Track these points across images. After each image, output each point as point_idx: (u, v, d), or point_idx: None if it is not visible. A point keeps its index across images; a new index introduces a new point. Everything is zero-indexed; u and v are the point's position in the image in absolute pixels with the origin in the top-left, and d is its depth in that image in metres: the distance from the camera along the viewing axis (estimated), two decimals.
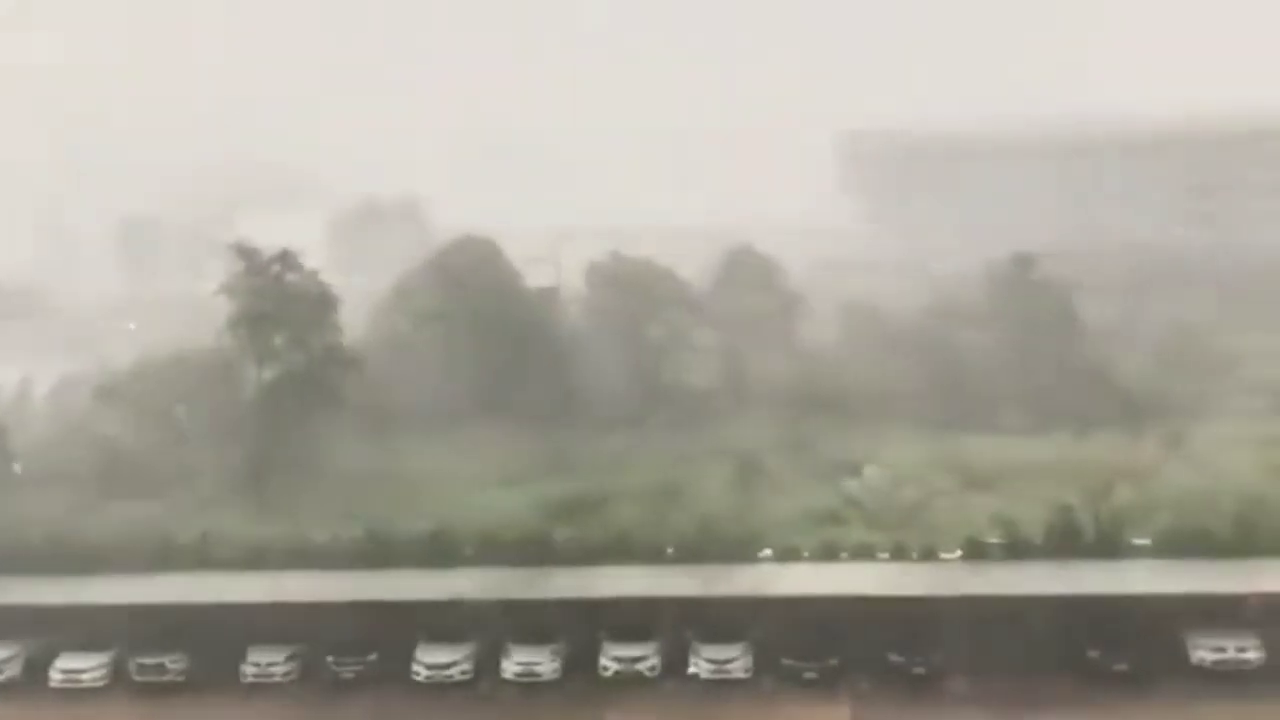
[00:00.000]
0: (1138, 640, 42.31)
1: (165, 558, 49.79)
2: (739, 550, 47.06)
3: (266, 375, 68.84)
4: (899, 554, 46.83)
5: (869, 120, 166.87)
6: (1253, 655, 41.62)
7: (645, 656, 43.68)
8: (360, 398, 68.72)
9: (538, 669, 43.79)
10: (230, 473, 64.11)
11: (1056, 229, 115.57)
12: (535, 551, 47.96)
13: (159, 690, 44.93)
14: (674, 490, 58.14)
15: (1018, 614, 42.62)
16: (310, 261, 71.57)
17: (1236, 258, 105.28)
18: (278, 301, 68.64)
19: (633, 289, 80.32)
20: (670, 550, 47.88)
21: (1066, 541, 46.22)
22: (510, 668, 43.99)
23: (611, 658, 43.81)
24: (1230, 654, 41.67)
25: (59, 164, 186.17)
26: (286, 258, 69.74)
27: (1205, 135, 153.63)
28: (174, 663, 45.58)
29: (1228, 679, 41.21)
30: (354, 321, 76.87)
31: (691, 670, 43.00)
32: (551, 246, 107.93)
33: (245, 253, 69.88)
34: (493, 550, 48.17)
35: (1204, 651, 41.92)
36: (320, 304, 69.47)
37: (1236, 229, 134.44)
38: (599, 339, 78.59)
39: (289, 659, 45.48)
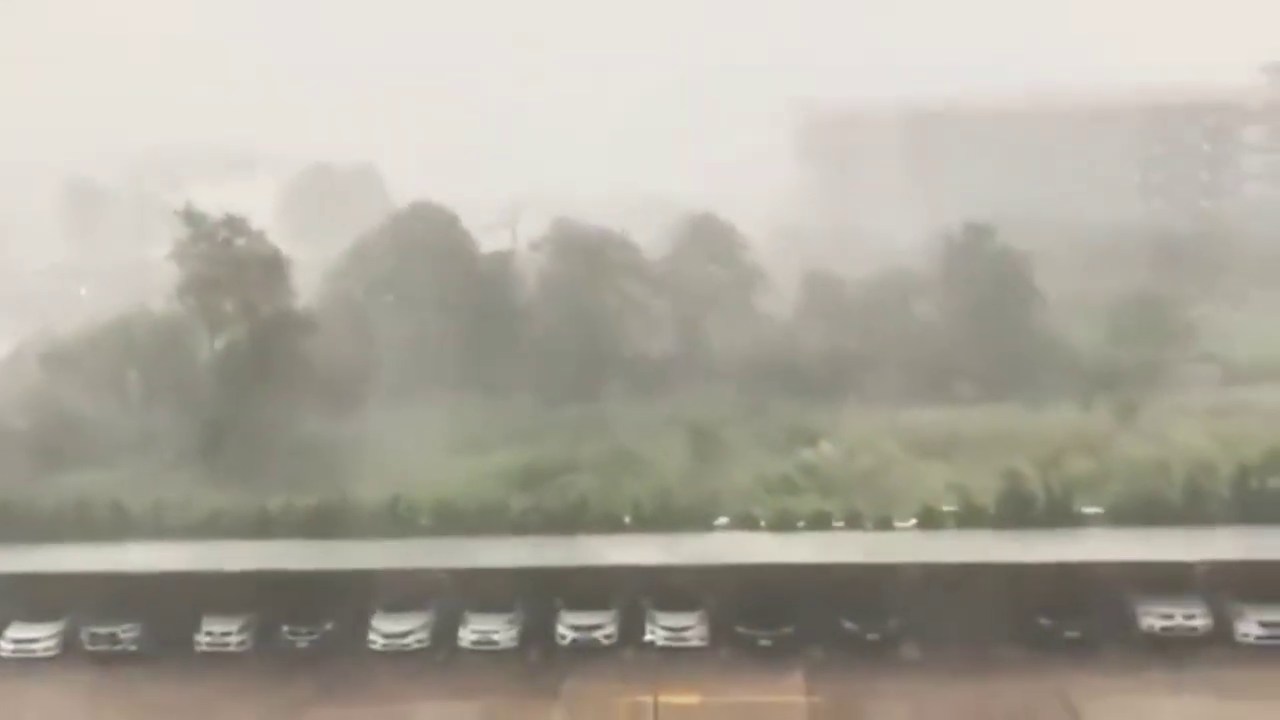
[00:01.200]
0: (1088, 608, 42.93)
1: (118, 526, 49.24)
2: (696, 519, 47.14)
3: (218, 342, 68.27)
4: (854, 522, 47.04)
5: (827, 88, 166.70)
6: (1200, 623, 42.34)
7: (602, 625, 43.90)
8: (314, 364, 68.20)
9: (495, 637, 43.93)
10: (183, 440, 63.53)
11: (1013, 199, 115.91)
12: (492, 521, 47.81)
13: (112, 660, 44.70)
14: (631, 460, 58.20)
15: (970, 582, 43.03)
16: (263, 227, 70.95)
17: (1190, 229, 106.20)
18: (227, 267, 67.89)
19: (590, 257, 79.99)
20: (627, 519, 47.91)
21: (1019, 510, 46.55)
22: (467, 636, 44.11)
23: (568, 626, 44.00)
24: (1179, 621, 42.37)
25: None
26: (234, 223, 68.95)
27: (1157, 107, 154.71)
28: (126, 632, 45.42)
29: (1176, 646, 41.89)
30: (308, 289, 76.28)
31: (648, 638, 43.25)
32: (508, 214, 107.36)
33: (192, 218, 69.03)
34: (449, 519, 47.99)
35: (1153, 619, 42.60)
36: (271, 269, 68.73)
37: (1189, 201, 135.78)
38: (556, 307, 78.30)
39: (243, 628, 45.37)
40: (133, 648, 45.30)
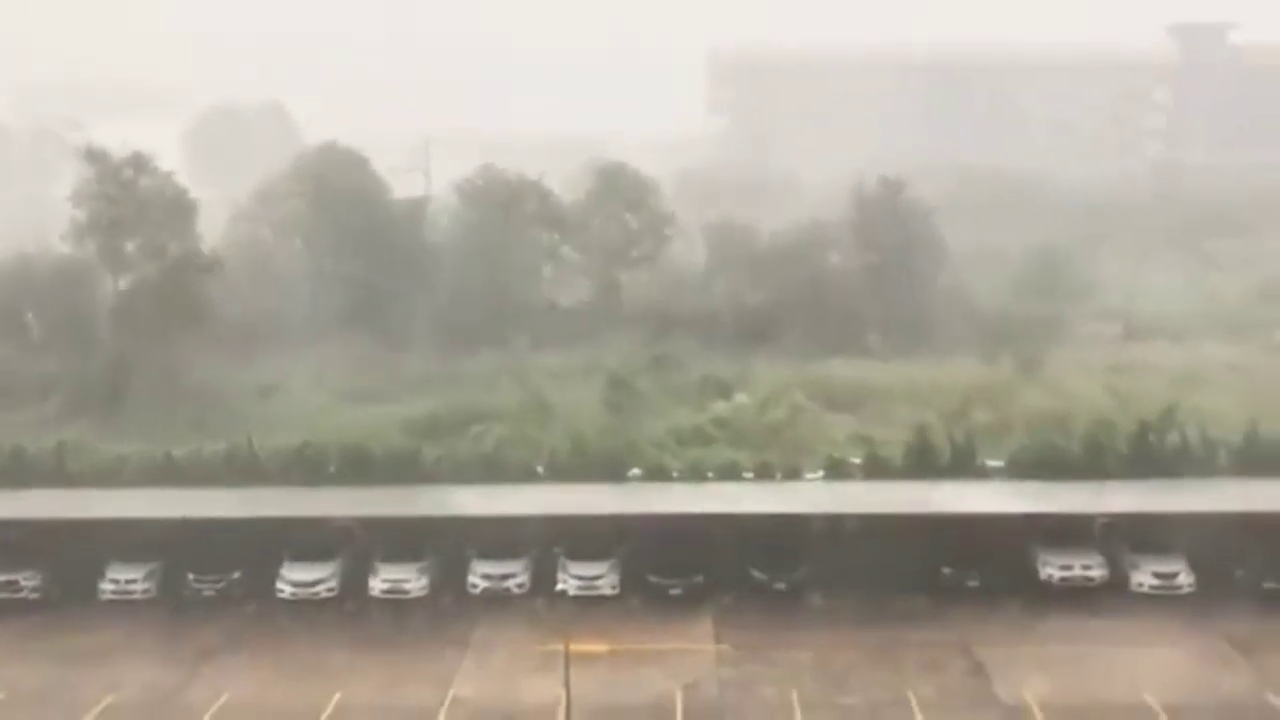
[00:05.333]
0: (989, 558, 43.89)
1: (18, 471, 48.15)
2: (608, 469, 47.30)
3: (122, 283, 66.92)
4: (763, 473, 47.54)
5: (741, 38, 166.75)
6: (1097, 573, 43.54)
7: (513, 574, 43.97)
8: (220, 308, 67.18)
9: (405, 586, 43.76)
10: (86, 384, 62.32)
11: (924, 151, 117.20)
12: (403, 469, 47.53)
13: (13, 608, 43.75)
14: (543, 409, 58.22)
15: (876, 532, 43.74)
16: (168, 168, 69.57)
17: (1095, 186, 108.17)
18: (131, 207, 66.46)
19: (505, 204, 79.45)
20: (540, 469, 47.94)
21: (923, 462, 47.35)
22: (377, 585, 43.91)
23: (480, 575, 44.01)
24: (1076, 571, 43.52)
25: None
26: (139, 161, 67.42)
27: (1068, 65, 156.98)
28: (28, 580, 44.48)
29: (1073, 595, 43.07)
30: (214, 230, 75.00)
31: (560, 587, 43.44)
32: (421, 157, 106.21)
33: (95, 157, 67.40)
34: (359, 467, 47.61)
35: (1052, 569, 43.70)
36: (176, 209, 67.45)
37: (1096, 158, 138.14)
38: (468, 254, 77.75)
39: (148, 576, 44.71)
40: (34, 596, 44.45)
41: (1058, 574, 43.60)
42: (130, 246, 66.51)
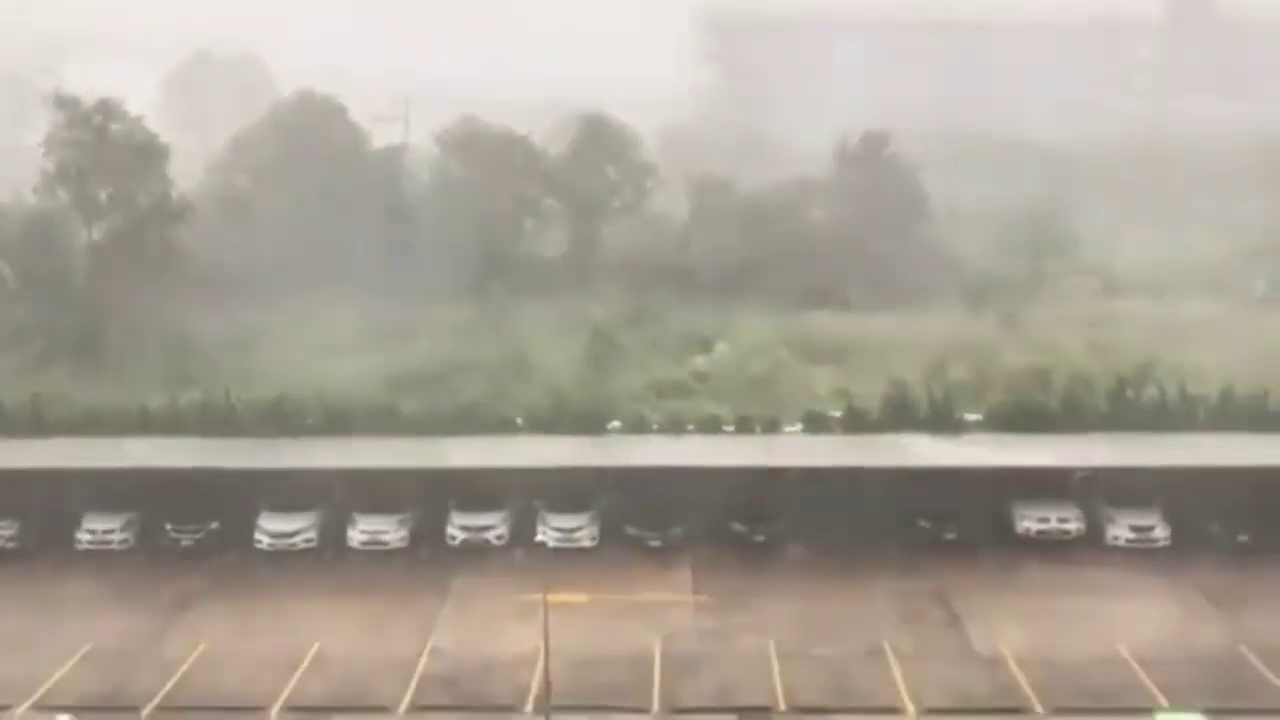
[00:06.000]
0: (966, 510, 44.14)
1: None
2: (588, 422, 47.23)
3: (95, 232, 66.25)
4: (743, 426, 47.54)
5: None
6: (1073, 526, 43.88)
7: (493, 526, 44.01)
8: (196, 258, 66.57)
9: (384, 538, 43.80)
10: (61, 333, 61.83)
11: (910, 107, 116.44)
12: (381, 420, 47.37)
13: None
14: (523, 361, 58.03)
15: (854, 485, 43.87)
16: (143, 115, 68.73)
17: (1077, 143, 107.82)
18: (101, 154, 65.64)
19: (486, 155, 78.77)
20: (519, 421, 47.83)
21: (902, 415, 47.43)
22: (356, 536, 43.93)
23: (459, 527, 44.04)
24: (1053, 524, 43.89)
25: None
26: (108, 107, 66.53)
27: (1054, 22, 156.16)
28: (4, 529, 44.42)
29: (1049, 548, 43.39)
30: (192, 179, 74.30)
31: (539, 539, 43.49)
32: (401, 106, 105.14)
33: (64, 103, 66.50)
34: (337, 419, 47.42)
35: (1028, 522, 44.06)
36: (147, 155, 66.65)
37: (1078, 114, 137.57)
38: (449, 205, 77.16)
39: (125, 526, 44.62)
40: (11, 545, 44.38)
41: (1034, 527, 43.95)
42: (103, 194, 65.71)
